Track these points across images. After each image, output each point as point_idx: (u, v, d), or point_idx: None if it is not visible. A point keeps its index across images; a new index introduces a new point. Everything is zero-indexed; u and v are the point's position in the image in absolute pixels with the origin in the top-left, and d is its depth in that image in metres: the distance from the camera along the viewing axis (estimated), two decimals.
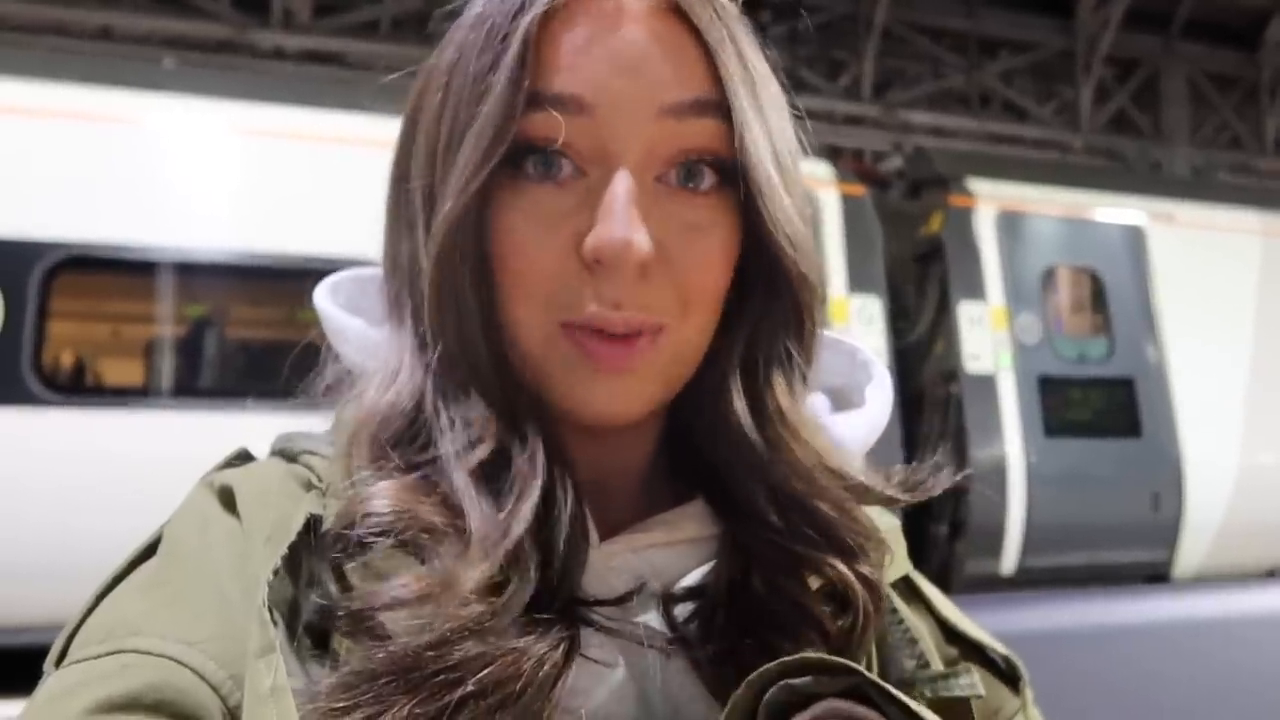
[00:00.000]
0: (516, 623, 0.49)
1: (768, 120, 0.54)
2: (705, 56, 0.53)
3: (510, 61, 0.50)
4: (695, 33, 0.53)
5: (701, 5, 0.53)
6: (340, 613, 0.48)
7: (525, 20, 0.51)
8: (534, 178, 0.52)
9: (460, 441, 0.52)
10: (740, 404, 0.56)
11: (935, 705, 0.59)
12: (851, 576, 0.56)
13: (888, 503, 0.58)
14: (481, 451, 0.52)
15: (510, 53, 0.50)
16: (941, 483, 0.59)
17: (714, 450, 0.58)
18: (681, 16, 0.53)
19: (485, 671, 0.46)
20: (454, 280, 0.53)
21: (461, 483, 0.51)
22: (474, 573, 0.48)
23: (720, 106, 0.53)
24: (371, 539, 0.49)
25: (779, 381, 0.57)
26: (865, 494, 0.58)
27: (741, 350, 0.57)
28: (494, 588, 0.48)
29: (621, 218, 0.50)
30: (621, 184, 0.51)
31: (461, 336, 0.53)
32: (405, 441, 0.53)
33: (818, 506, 0.56)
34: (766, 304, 0.57)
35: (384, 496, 0.50)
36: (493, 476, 0.51)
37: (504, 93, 0.50)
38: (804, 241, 0.56)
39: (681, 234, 0.53)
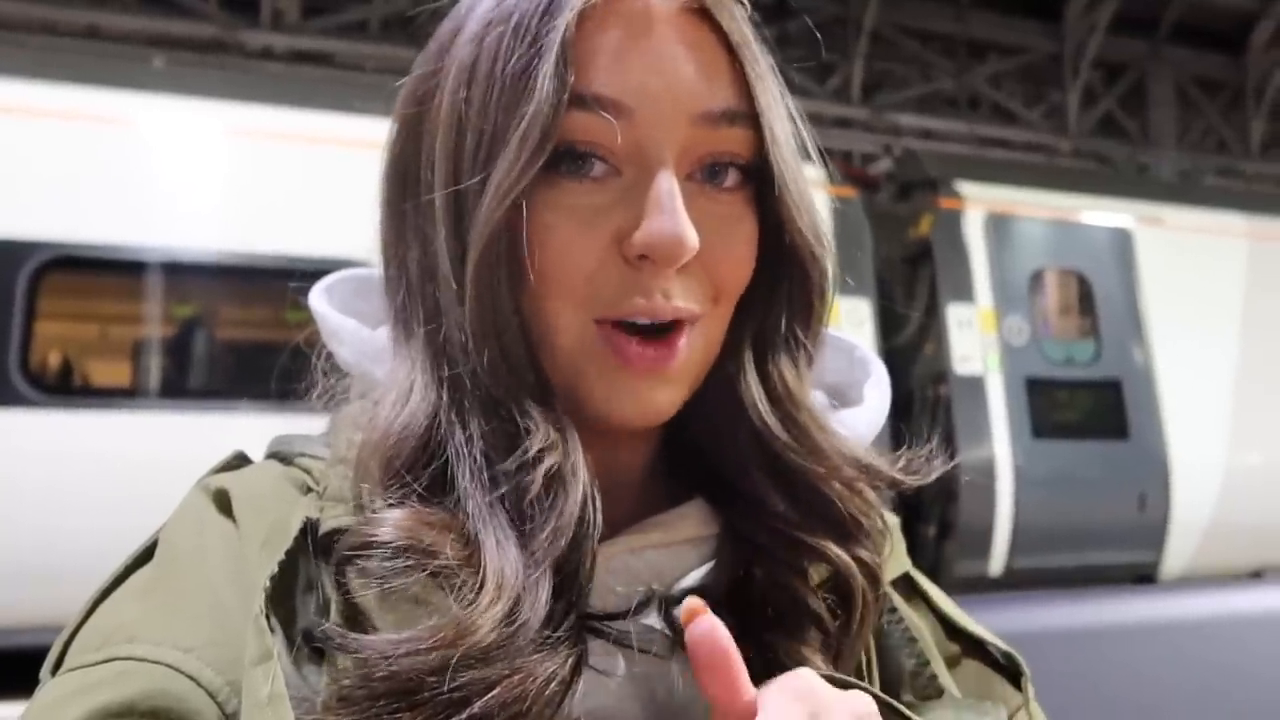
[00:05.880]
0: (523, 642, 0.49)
1: (783, 120, 0.57)
2: (729, 58, 0.55)
3: (552, 62, 0.50)
4: (719, 33, 0.55)
5: (723, 7, 0.55)
6: (345, 650, 0.47)
7: (561, 21, 0.51)
8: (569, 176, 0.53)
9: (480, 464, 0.51)
10: (757, 388, 0.58)
11: None
12: (853, 564, 0.57)
13: (893, 484, 0.59)
14: (510, 470, 0.51)
15: (550, 54, 0.50)
16: (937, 468, 0.60)
17: (721, 441, 0.58)
18: (705, 17, 0.54)
19: (491, 694, 0.46)
20: (493, 285, 0.52)
21: (476, 512, 0.50)
22: (487, 618, 0.47)
23: (747, 115, 0.55)
24: (380, 570, 0.48)
25: (787, 365, 0.59)
26: (874, 473, 0.59)
27: (752, 338, 0.59)
28: (504, 618, 0.48)
29: (673, 214, 0.51)
30: (666, 182, 0.52)
31: (502, 342, 0.53)
32: (419, 465, 0.52)
33: (828, 486, 0.57)
34: (775, 291, 0.59)
35: (393, 526, 0.49)
36: (517, 499, 0.51)
37: (549, 94, 0.50)
38: (823, 230, 0.58)
39: (712, 228, 0.54)
